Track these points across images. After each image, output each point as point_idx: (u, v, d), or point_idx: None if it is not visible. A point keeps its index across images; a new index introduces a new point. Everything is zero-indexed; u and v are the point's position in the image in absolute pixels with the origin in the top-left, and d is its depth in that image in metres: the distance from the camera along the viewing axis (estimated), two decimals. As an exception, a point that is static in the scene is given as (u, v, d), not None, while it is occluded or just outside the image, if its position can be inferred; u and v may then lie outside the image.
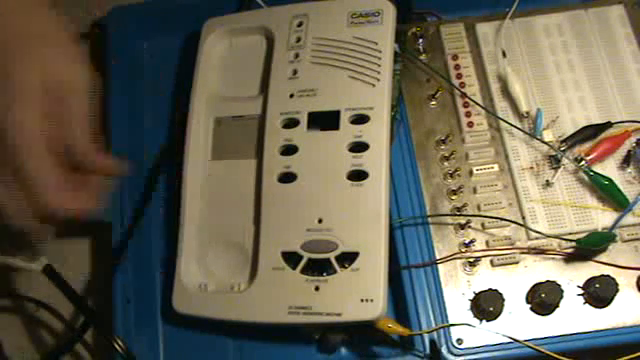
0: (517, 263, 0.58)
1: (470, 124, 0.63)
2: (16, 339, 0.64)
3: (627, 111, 0.62)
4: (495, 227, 0.59)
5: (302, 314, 0.54)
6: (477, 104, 0.63)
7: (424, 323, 0.56)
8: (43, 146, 0.48)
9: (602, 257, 0.58)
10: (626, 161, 0.60)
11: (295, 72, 0.60)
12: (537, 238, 0.58)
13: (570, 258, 0.58)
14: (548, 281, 0.56)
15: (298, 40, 0.61)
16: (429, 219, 0.60)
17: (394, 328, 0.54)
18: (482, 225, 0.59)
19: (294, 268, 0.55)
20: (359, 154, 0.56)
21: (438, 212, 0.60)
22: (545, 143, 0.61)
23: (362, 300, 0.53)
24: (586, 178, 0.59)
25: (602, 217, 0.59)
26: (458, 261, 0.58)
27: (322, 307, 0.54)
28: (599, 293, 0.55)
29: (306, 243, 0.55)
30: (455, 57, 0.65)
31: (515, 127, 0.62)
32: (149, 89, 0.69)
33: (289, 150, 0.58)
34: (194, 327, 0.60)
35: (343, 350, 0.60)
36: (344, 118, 0.57)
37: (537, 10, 0.67)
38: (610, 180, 0.58)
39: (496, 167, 0.61)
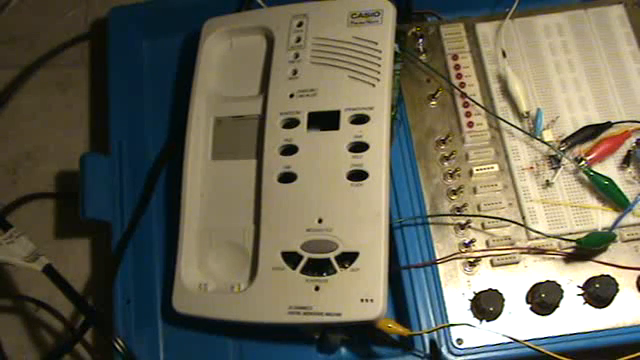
0: (517, 263, 0.58)
1: (470, 124, 0.63)
2: (16, 339, 0.64)
3: (627, 111, 0.62)
4: (495, 227, 0.59)
5: (302, 314, 0.54)
6: (477, 104, 0.63)
7: (424, 323, 0.56)
8: None
9: (602, 257, 0.58)
10: (626, 161, 0.60)
11: (295, 72, 0.60)
12: (537, 238, 0.58)
13: (570, 258, 0.58)
14: (548, 281, 0.56)
15: (298, 40, 0.61)
16: (429, 219, 0.60)
17: (394, 328, 0.54)
18: (482, 225, 0.59)
19: (294, 268, 0.55)
20: (359, 154, 0.56)
21: (438, 212, 0.60)
22: (545, 143, 0.61)
23: (362, 300, 0.53)
24: (586, 178, 0.59)
25: (602, 217, 0.59)
26: (458, 261, 0.58)
27: (322, 307, 0.54)
28: (599, 293, 0.55)
29: (306, 243, 0.55)
30: (455, 57, 0.65)
31: (515, 127, 0.62)
32: (149, 89, 0.69)
33: (289, 150, 0.58)
34: (194, 327, 0.60)
35: (343, 350, 0.60)
36: (344, 118, 0.57)
37: (537, 10, 0.67)
38: (610, 180, 0.58)
39: (496, 167, 0.61)
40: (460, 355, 0.55)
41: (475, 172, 0.61)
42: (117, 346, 0.55)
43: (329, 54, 0.60)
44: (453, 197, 0.60)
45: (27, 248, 0.56)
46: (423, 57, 0.65)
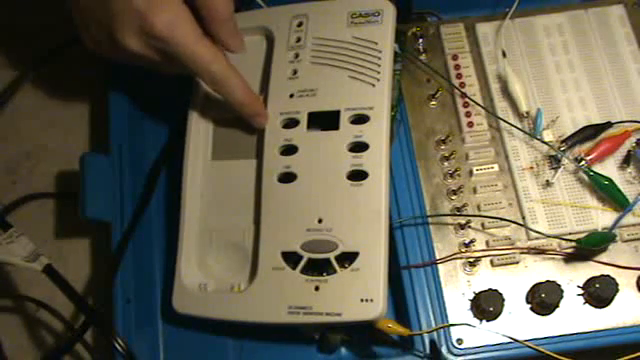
0: (517, 263, 0.58)
1: (470, 124, 0.63)
2: (16, 339, 0.64)
3: (627, 111, 0.62)
4: (495, 227, 0.59)
5: (302, 314, 0.54)
6: (477, 104, 0.63)
7: (424, 323, 0.56)
8: (206, 43, 0.56)
9: (602, 257, 0.58)
10: (626, 161, 0.60)
11: (295, 72, 0.60)
12: (537, 238, 0.58)
13: (570, 258, 0.58)
14: (548, 281, 0.56)
15: (298, 40, 0.61)
16: (429, 219, 0.60)
17: (394, 328, 0.54)
18: (482, 225, 0.59)
19: (294, 268, 0.55)
20: (359, 154, 0.56)
21: (438, 212, 0.60)
22: (545, 143, 0.61)
23: (362, 300, 0.53)
24: (586, 178, 0.59)
25: (602, 217, 0.59)
26: (458, 261, 0.58)
27: (322, 307, 0.54)
28: (599, 293, 0.55)
29: (306, 243, 0.55)
30: (455, 57, 0.65)
31: (515, 127, 0.62)
32: (149, 88, 0.69)
33: (289, 150, 0.58)
34: (194, 327, 0.60)
35: (343, 350, 0.60)
36: (344, 118, 0.57)
37: (537, 10, 0.67)
38: (610, 180, 0.58)
39: (496, 167, 0.61)
40: (460, 355, 0.55)
41: (475, 172, 0.61)
42: (117, 346, 0.55)
43: (329, 54, 0.60)
44: (453, 197, 0.60)
45: (27, 248, 0.56)
46: (423, 57, 0.66)
